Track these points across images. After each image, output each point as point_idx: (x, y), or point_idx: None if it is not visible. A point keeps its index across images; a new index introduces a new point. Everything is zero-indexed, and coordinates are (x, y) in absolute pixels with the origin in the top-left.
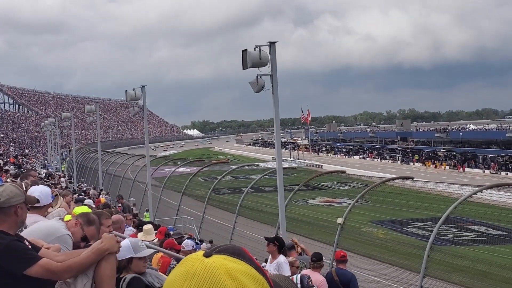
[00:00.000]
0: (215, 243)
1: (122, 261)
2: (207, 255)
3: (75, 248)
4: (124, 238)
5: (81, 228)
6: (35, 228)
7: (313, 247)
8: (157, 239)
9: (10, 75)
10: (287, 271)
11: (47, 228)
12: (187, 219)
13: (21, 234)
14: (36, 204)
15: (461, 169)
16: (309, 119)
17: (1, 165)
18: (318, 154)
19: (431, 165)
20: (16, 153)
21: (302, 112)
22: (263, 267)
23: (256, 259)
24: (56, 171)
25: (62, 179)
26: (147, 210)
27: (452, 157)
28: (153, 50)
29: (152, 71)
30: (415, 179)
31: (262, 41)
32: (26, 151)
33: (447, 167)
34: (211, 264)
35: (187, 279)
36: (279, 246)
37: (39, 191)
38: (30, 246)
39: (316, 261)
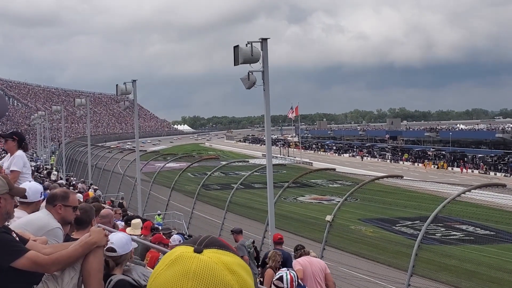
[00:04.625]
0: None
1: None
2: (198, 251)
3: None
4: (111, 232)
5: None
6: (25, 221)
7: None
8: (143, 235)
9: (3, 68)
10: (18, 165)
11: (37, 223)
12: (176, 214)
13: (10, 227)
14: (23, 200)
15: (464, 170)
16: (293, 115)
17: None
18: (314, 151)
19: (432, 166)
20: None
21: (292, 109)
22: None
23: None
24: (45, 165)
25: (54, 173)
26: (159, 214)
27: (442, 156)
28: (147, 44)
29: (145, 65)
30: (404, 177)
31: (256, 37)
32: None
33: (449, 168)
34: (209, 261)
35: (189, 279)
36: (18, 140)
37: (28, 187)
38: (17, 239)
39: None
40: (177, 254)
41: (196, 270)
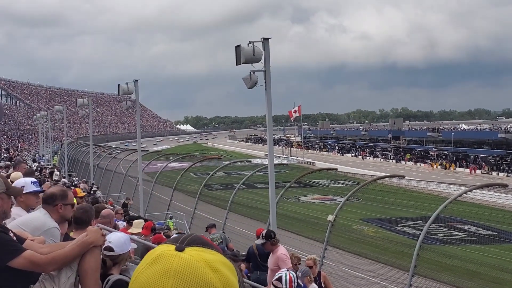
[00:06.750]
0: None
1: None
2: (180, 249)
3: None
4: (110, 232)
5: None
6: (22, 221)
7: (303, 244)
8: (143, 235)
9: (7, 68)
10: None
11: (34, 222)
12: (178, 214)
13: (7, 226)
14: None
15: (473, 171)
16: (295, 115)
17: None
18: (319, 151)
19: (439, 166)
20: (8, 146)
21: (294, 109)
22: None
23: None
24: (47, 165)
25: (57, 173)
26: (171, 218)
27: (444, 156)
28: (150, 44)
29: (148, 65)
30: (406, 177)
31: (260, 37)
32: (19, 144)
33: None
34: (190, 258)
35: (170, 277)
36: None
37: (22, 182)
38: (14, 238)
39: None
40: (159, 253)
41: (177, 268)
